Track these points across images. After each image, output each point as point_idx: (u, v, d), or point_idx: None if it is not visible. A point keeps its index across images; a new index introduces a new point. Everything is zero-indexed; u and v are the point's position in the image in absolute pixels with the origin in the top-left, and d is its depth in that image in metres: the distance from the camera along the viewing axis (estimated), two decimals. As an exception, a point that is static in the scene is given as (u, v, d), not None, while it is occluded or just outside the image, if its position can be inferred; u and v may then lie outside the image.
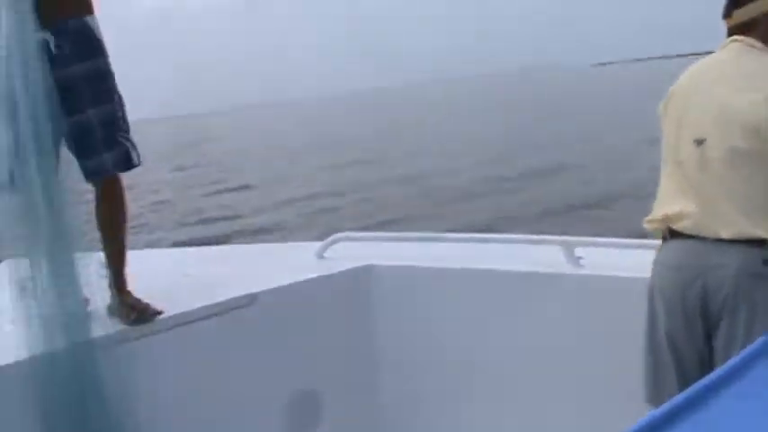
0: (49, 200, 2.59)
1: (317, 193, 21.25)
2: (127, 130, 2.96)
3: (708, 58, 2.57)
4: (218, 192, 24.26)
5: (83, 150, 2.87)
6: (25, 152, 2.56)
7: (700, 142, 2.37)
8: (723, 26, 2.55)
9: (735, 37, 2.49)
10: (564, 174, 20.21)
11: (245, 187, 24.48)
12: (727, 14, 2.53)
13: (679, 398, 1.17)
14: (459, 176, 21.38)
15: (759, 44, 2.44)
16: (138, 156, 2.99)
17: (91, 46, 2.87)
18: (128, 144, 2.95)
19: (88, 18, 2.87)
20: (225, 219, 18.97)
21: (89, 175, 2.92)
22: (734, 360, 1.32)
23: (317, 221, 16.56)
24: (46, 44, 2.70)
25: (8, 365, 2.57)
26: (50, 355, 2.58)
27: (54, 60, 2.72)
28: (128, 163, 2.96)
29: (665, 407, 1.14)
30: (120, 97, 2.95)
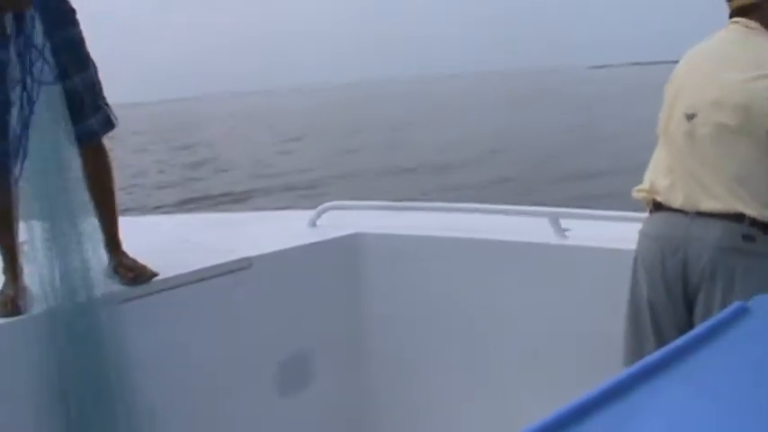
0: (55, 161, 2.67)
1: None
2: (103, 93, 3.02)
3: (708, 39, 2.62)
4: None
5: (72, 116, 2.87)
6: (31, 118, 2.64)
7: (690, 117, 2.43)
8: (725, 8, 2.58)
9: (735, 19, 2.53)
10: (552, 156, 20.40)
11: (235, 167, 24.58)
12: None
13: (654, 356, 1.21)
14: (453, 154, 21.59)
15: (757, 25, 2.48)
16: (115, 117, 3.05)
17: (67, 15, 2.90)
18: (106, 107, 3.01)
19: None
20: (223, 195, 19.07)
21: (79, 139, 2.91)
22: (709, 322, 1.35)
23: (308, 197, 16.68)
24: (31, 17, 2.74)
25: (12, 323, 2.62)
26: (54, 313, 2.63)
27: (37, 32, 2.76)
28: (109, 125, 3.02)
29: (641, 363, 1.18)
30: (93, 62, 2.99)
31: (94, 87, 2.97)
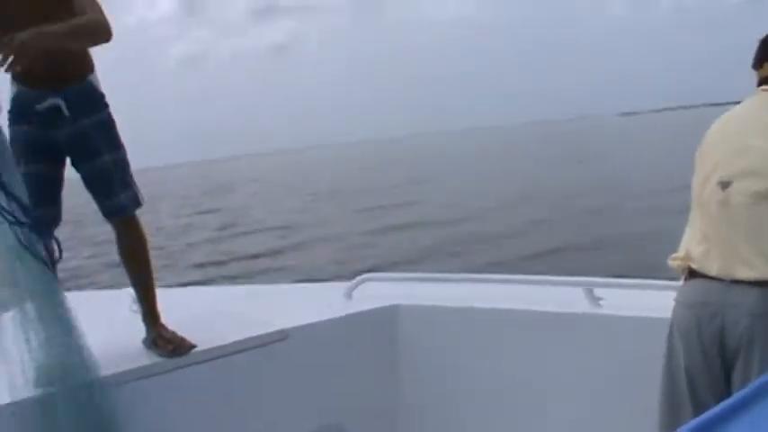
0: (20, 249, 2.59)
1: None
2: (131, 173, 3.15)
3: (739, 106, 2.63)
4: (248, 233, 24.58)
5: (103, 192, 3.06)
6: None
7: (725, 185, 2.43)
8: (753, 77, 2.62)
9: (764, 86, 2.56)
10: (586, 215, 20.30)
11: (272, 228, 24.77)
12: (757, 65, 2.62)
13: (691, 424, 1.21)
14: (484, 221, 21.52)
15: None
16: (143, 196, 3.17)
17: (97, 101, 3.07)
18: (135, 186, 3.14)
19: (91, 77, 3.07)
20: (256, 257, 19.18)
21: (110, 214, 3.10)
22: (746, 389, 1.35)
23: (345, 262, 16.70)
24: (58, 108, 2.94)
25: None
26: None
27: (65, 119, 2.96)
28: (137, 203, 3.14)
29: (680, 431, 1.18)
30: (123, 144, 3.13)
31: (124, 166, 3.11)
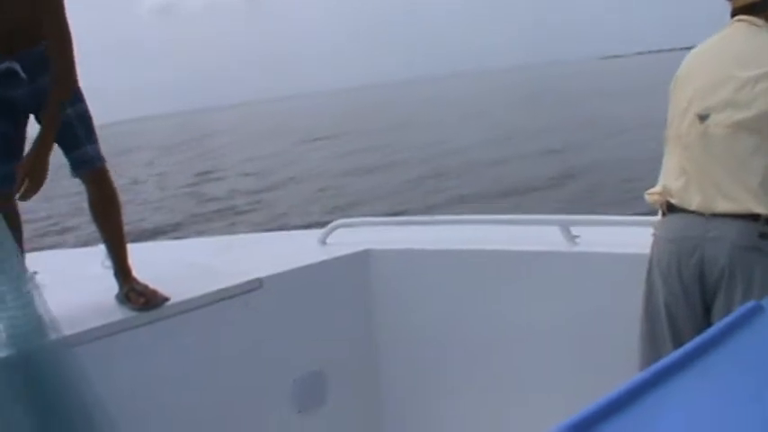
0: None
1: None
2: (94, 130, 3.08)
3: (713, 37, 2.59)
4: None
5: (69, 144, 2.99)
6: None
7: (703, 118, 2.40)
8: (727, 7, 2.56)
9: (739, 17, 2.51)
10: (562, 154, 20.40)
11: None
12: None
13: (671, 356, 1.19)
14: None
15: (763, 23, 2.45)
16: (102, 157, 3.10)
17: (46, 66, 2.96)
18: (96, 143, 3.07)
19: (44, 42, 2.99)
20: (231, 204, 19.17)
21: (78, 167, 3.03)
22: (724, 321, 1.33)
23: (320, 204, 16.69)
24: (14, 71, 2.91)
25: None
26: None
27: (22, 80, 2.93)
28: (102, 158, 3.08)
29: (658, 364, 1.16)
30: (83, 97, 3.07)
31: (87, 119, 3.04)
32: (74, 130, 2.97)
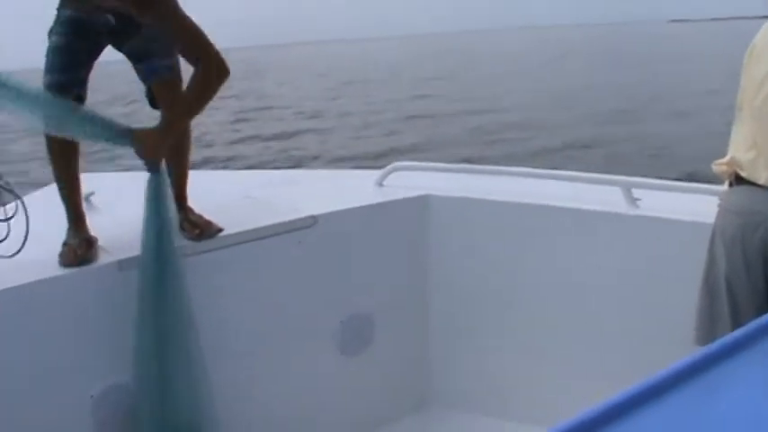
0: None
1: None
2: (173, 49, 2.93)
3: None
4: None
5: (154, 54, 2.91)
6: None
7: None
8: None
9: None
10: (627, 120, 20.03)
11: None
12: None
13: (732, 335, 1.16)
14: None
15: None
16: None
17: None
18: (176, 62, 2.95)
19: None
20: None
21: (145, 78, 2.95)
22: None
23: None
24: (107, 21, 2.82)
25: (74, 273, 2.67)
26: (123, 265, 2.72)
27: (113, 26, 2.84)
28: (176, 74, 2.95)
29: (718, 343, 1.13)
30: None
31: (166, 40, 2.90)
32: (151, 44, 2.88)
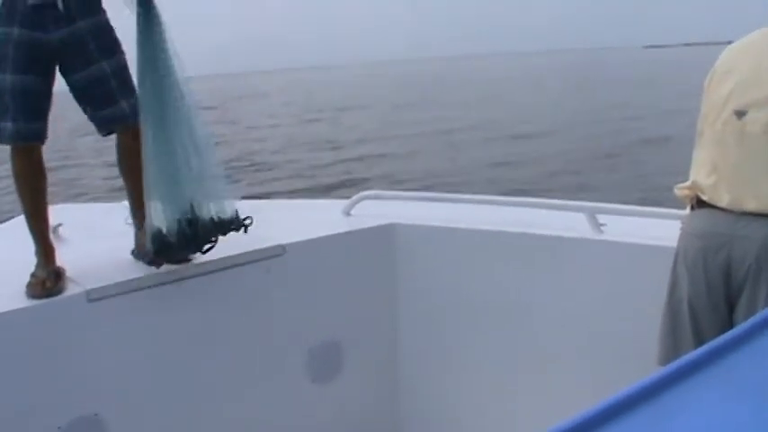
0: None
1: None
2: (132, 83, 2.88)
3: (753, 33, 2.53)
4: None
5: (99, 101, 2.88)
6: None
7: (740, 114, 2.36)
8: None
9: None
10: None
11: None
12: None
13: (691, 355, 1.17)
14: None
15: None
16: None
17: (93, 3, 2.87)
18: (135, 96, 2.87)
19: None
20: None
21: (106, 123, 2.91)
22: (749, 322, 1.31)
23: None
24: (52, 4, 2.75)
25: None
26: None
27: (61, 18, 2.77)
28: (138, 114, 2.85)
29: (677, 363, 1.15)
30: (122, 50, 2.94)
31: (126, 72, 2.90)
32: (109, 84, 2.85)
